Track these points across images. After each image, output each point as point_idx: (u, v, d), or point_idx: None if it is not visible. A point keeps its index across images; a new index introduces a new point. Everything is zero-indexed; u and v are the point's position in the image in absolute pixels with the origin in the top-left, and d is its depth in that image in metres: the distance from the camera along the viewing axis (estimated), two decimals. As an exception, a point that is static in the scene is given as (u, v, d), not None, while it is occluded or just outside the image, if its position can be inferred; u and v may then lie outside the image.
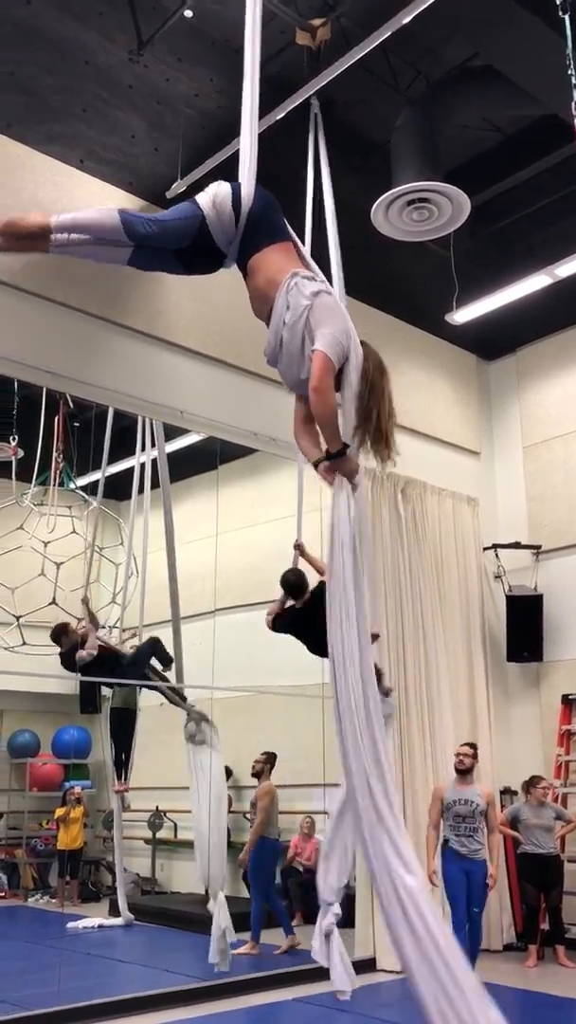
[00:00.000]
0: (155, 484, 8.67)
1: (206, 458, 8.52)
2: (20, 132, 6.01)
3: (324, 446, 3.06)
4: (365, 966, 6.70)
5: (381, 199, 5.91)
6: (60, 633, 7.60)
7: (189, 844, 9.91)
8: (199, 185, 6.39)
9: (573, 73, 4.06)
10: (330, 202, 5.38)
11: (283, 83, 5.70)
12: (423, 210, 5.95)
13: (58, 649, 8.43)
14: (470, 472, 8.98)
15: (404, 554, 7.83)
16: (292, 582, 5.68)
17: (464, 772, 6.50)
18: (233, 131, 6.10)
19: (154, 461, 8.34)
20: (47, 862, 10.76)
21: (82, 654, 7.53)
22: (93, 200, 6.36)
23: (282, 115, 5.61)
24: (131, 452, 8.42)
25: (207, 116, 6.31)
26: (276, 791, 7.69)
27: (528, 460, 9.02)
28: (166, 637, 8.27)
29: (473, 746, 6.75)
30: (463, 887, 6.26)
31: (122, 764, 8.01)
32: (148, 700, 8.56)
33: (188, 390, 6.77)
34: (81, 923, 8.37)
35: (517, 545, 8.72)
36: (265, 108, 5.66)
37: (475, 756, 6.64)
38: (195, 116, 6.31)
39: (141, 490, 8.42)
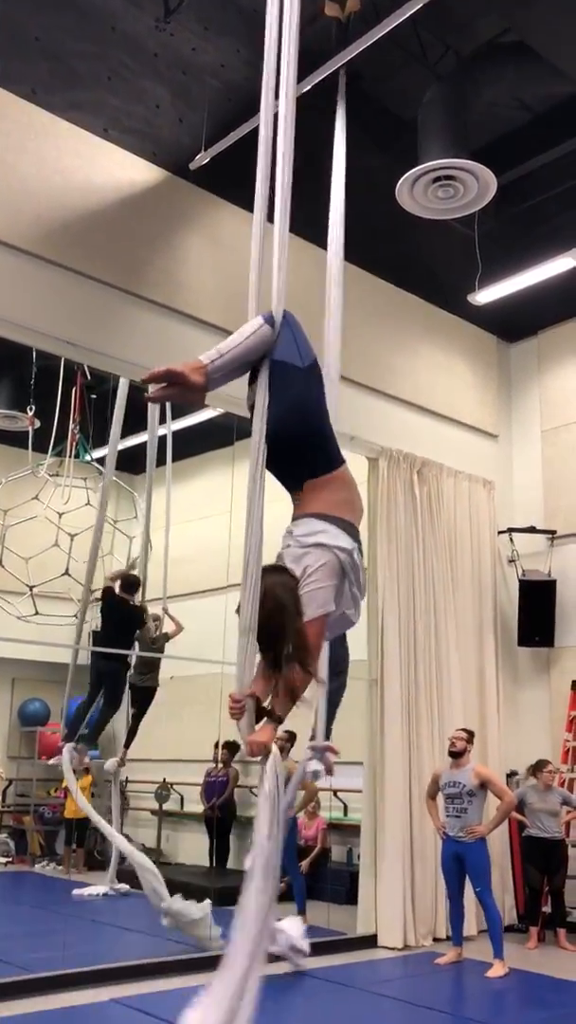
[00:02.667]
0: (173, 458, 8.69)
1: (222, 433, 8.51)
2: (44, 99, 5.96)
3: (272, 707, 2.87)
4: (367, 942, 6.77)
5: (407, 175, 5.82)
6: (136, 585, 8.08)
7: (195, 816, 10.02)
8: (223, 157, 6.38)
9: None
10: (340, 171, 5.16)
11: (309, 55, 5.61)
12: (448, 188, 5.86)
13: (68, 619, 8.48)
14: (487, 455, 8.92)
15: (418, 535, 7.80)
16: None
17: (455, 755, 6.65)
18: (259, 104, 6.05)
19: (164, 437, 8.36)
20: (54, 830, 10.90)
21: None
22: (115, 169, 6.32)
23: (308, 88, 5.53)
24: (146, 426, 8.42)
25: (233, 87, 6.23)
26: None
27: (546, 444, 8.96)
28: (181, 610, 8.33)
29: (468, 731, 6.84)
30: (453, 869, 6.54)
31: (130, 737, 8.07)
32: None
33: (206, 365, 6.72)
34: (86, 891, 8.47)
35: (532, 530, 8.68)
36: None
37: (469, 740, 6.73)
38: (220, 87, 6.23)
39: (159, 464, 8.43)
